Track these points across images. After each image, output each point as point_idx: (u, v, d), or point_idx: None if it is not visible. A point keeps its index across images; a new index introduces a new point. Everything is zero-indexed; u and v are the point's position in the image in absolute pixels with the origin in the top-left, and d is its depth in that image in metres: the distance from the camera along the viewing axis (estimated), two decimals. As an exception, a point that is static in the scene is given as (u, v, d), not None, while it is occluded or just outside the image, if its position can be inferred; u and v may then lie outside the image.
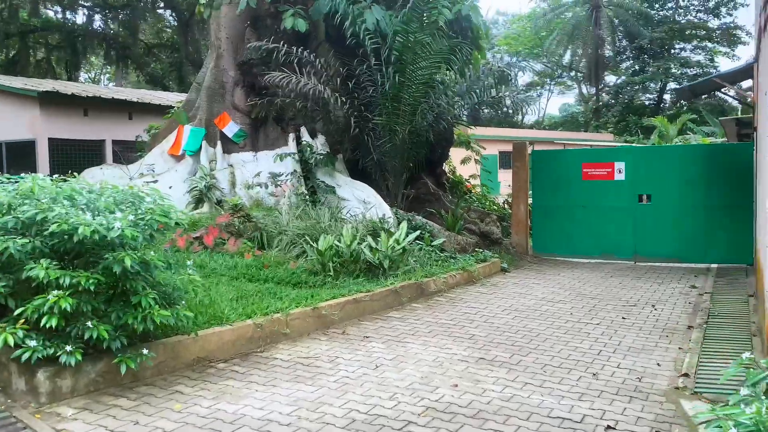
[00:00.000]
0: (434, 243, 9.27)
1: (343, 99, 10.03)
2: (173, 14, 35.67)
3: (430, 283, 8.09)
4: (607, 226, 11.22)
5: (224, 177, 12.43)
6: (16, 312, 4.27)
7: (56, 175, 5.67)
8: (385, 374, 5.03)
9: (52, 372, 4.28)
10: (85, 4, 32.00)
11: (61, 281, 4.24)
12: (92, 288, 4.30)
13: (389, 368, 5.18)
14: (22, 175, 5.55)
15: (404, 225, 8.53)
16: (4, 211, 4.80)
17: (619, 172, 11.09)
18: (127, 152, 15.43)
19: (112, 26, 35.36)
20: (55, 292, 4.20)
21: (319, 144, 11.77)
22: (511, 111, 13.73)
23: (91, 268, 4.61)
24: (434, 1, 10.01)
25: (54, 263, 4.44)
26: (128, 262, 4.35)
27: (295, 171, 11.50)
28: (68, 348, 4.22)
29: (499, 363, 5.35)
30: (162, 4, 34.47)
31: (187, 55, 33.17)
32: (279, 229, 9.52)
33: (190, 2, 31.73)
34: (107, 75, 53.89)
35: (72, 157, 16.16)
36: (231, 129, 12.70)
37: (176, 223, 5.10)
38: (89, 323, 4.29)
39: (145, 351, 4.50)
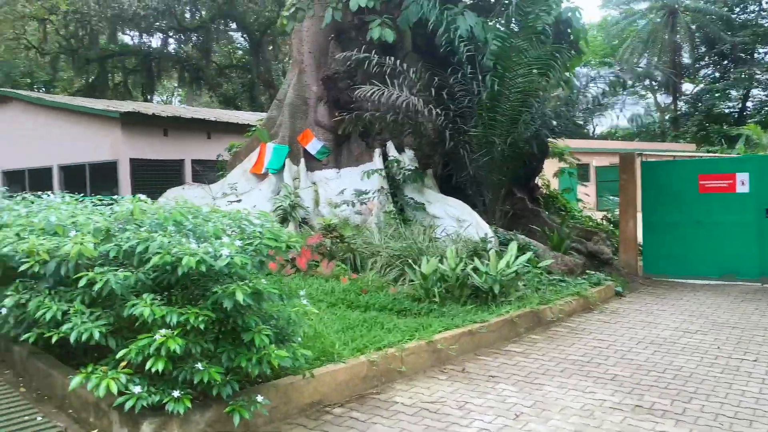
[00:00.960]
0: (541, 265, 8.45)
1: (438, 111, 9.38)
2: (244, 35, 36.16)
3: (546, 311, 7.27)
4: (728, 244, 10.09)
5: (308, 195, 11.97)
6: (119, 354, 3.75)
7: (142, 196, 5.23)
8: (530, 426, 4.28)
9: (159, 423, 3.74)
10: (161, 26, 32.69)
11: (167, 319, 3.70)
12: (202, 326, 3.75)
13: (532, 418, 4.43)
14: (117, 196, 5.13)
15: (514, 245, 7.75)
16: (102, 238, 4.34)
17: (742, 183, 9.98)
18: (207, 171, 15.27)
19: (185, 49, 36.12)
20: (162, 331, 3.67)
21: (407, 159, 11.16)
22: (582, 122, 12.84)
23: (198, 301, 4.09)
24: (534, 4, 9.26)
25: (158, 298, 3.93)
26: (240, 296, 3.78)
27: (382, 188, 10.90)
28: (175, 394, 3.67)
29: (660, 412, 4.51)
30: (234, 26, 34.95)
31: (258, 75, 33.44)
32: (372, 250, 8.92)
33: (261, 23, 32.04)
34: (179, 97, 55.42)
35: (152, 177, 16.12)
36: (314, 146, 12.28)
37: (288, 247, 4.52)
38: (199, 365, 3.73)
39: (259, 398, 3.90)
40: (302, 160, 12.28)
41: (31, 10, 33.29)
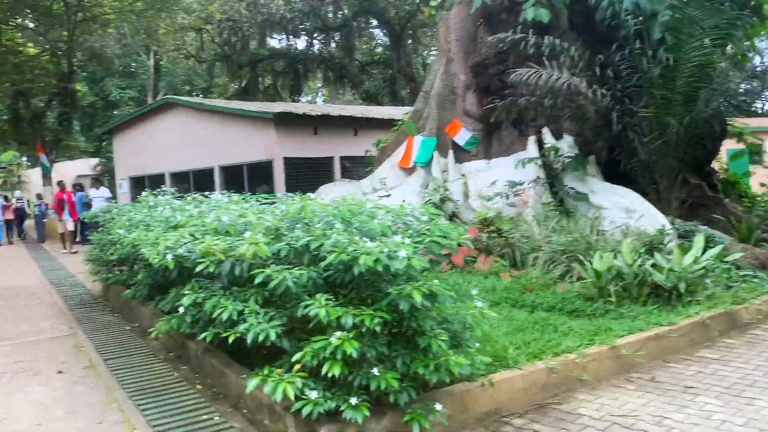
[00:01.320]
0: (728, 259, 7.47)
1: (603, 91, 8.63)
2: (383, 31, 36.52)
3: (741, 312, 6.38)
4: None
5: (457, 188, 11.63)
6: (295, 357, 3.62)
7: (297, 193, 5.14)
8: (753, 452, 3.64)
9: (337, 430, 3.57)
10: (306, 28, 33.81)
11: (342, 321, 3.51)
12: (377, 329, 3.53)
13: (752, 441, 3.78)
14: (280, 194, 5.08)
15: (700, 238, 6.90)
16: (272, 237, 4.27)
17: None
18: (356, 167, 15.42)
19: (328, 48, 37.14)
20: (338, 333, 3.48)
21: (566, 146, 10.44)
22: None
23: (369, 302, 3.88)
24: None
25: (331, 298, 3.76)
26: (417, 298, 3.51)
27: (538, 178, 10.30)
28: (353, 401, 3.48)
29: None
30: (374, 22, 35.37)
31: (399, 70, 33.57)
32: (531, 245, 8.39)
33: (401, 17, 32.12)
34: (322, 97, 57.34)
35: (304, 175, 16.58)
36: (463, 137, 11.90)
37: (458, 245, 4.20)
38: (375, 371, 3.51)
39: (438, 407, 3.62)
40: (450, 152, 11.96)
41: (189, 21, 35.85)
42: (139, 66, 44.50)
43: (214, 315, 4.05)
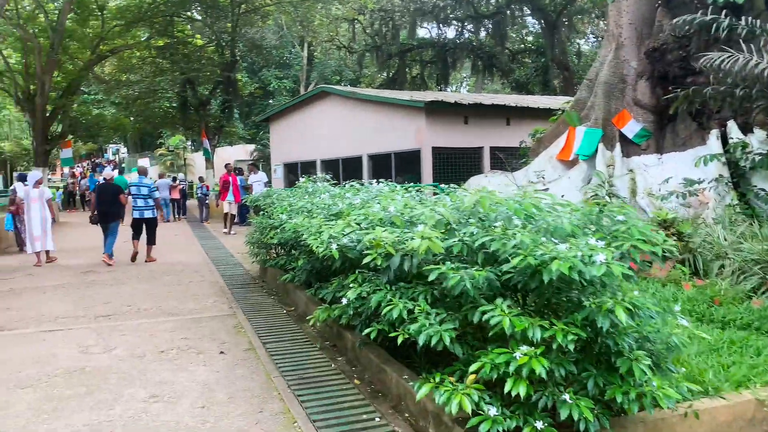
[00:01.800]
0: None
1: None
2: (536, 18, 35.15)
3: None
4: None
5: (623, 184, 10.72)
6: (471, 368, 3.26)
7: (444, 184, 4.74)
8: None
9: (516, 454, 3.18)
10: (458, 16, 33.35)
11: (529, 334, 3.10)
12: (570, 347, 3.08)
13: None
14: (431, 184, 4.73)
15: None
16: (443, 231, 3.93)
17: None
18: (509, 159, 14.81)
19: (478, 37, 36.41)
20: (524, 348, 3.08)
21: (756, 141, 9.22)
22: None
23: (555, 311, 3.43)
24: None
25: (512, 305, 3.36)
26: (622, 317, 3.01)
27: (720, 176, 9.20)
28: (538, 425, 3.06)
29: None
30: (528, 9, 34.13)
31: (553, 58, 32.13)
32: (716, 251, 7.44)
33: (557, 3, 30.69)
34: (466, 87, 56.61)
35: (452, 165, 16.25)
36: (632, 128, 10.96)
37: (662, 251, 3.62)
38: (566, 397, 3.07)
39: (634, 441, 3.11)
40: (617, 145, 11.07)
41: (343, 12, 36.71)
42: (293, 57, 46.46)
43: (383, 311, 3.79)
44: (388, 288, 4.06)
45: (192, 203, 28.90)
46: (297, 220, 5.98)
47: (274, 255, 8.89)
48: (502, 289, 3.60)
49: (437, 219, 3.96)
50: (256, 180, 17.09)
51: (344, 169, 18.95)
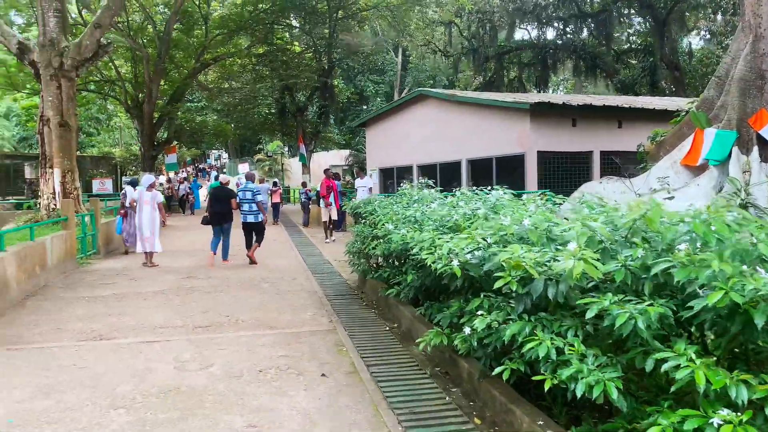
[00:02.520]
0: None
1: None
2: (642, 15, 33.16)
3: None
4: None
5: (762, 192, 9.51)
6: (647, 429, 2.55)
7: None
8: None
9: None
10: (560, 15, 31.99)
11: (732, 394, 2.36)
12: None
13: None
14: (539, 191, 4.01)
15: None
16: (599, 250, 3.23)
17: None
18: (624, 163, 13.70)
19: (580, 37, 34.83)
20: (724, 413, 2.34)
21: None
22: None
23: (747, 360, 2.65)
24: None
25: (695, 347, 2.62)
26: None
27: None
28: None
29: None
30: (635, 7, 32.26)
31: (662, 57, 30.16)
32: None
33: (669, -2, 28.78)
34: (563, 89, 54.54)
35: (558, 171, 15.28)
36: (775, 130, 9.70)
37: None
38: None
39: None
40: (755, 149, 9.87)
41: (439, 15, 36.14)
42: (387, 63, 46.36)
43: (524, 349, 3.14)
44: (525, 318, 3.39)
45: (288, 207, 29.13)
46: (405, 231, 5.43)
47: (374, 265, 8.40)
48: (677, 326, 2.86)
49: (588, 236, 3.26)
50: (362, 185, 16.76)
51: (442, 175, 18.33)
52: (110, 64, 29.75)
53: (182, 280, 10.19)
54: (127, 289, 9.44)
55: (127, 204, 13.75)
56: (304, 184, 24.72)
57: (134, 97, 29.87)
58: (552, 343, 3.01)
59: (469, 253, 3.87)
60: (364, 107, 44.69)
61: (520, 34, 39.94)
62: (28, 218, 16.92)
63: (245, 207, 11.81)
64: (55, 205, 16.55)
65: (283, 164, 44.73)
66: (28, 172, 29.07)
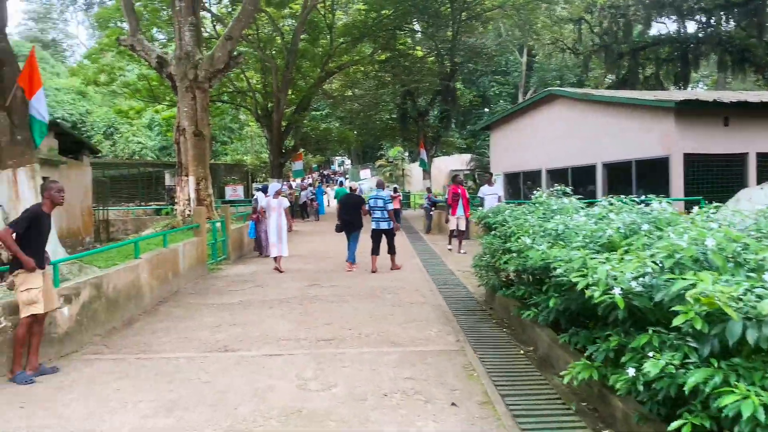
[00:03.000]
0: None
1: None
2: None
3: None
4: None
5: None
6: None
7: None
8: None
9: None
10: (703, 6, 29.49)
11: None
12: None
13: None
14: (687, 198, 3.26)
15: None
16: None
17: None
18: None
19: (727, 29, 31.92)
20: None
21: None
22: None
23: None
24: None
25: None
26: None
27: None
28: None
29: None
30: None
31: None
32: None
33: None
34: (703, 87, 50.45)
35: (706, 175, 13.81)
36: None
37: None
38: None
39: None
40: None
41: (568, 12, 34.55)
42: (511, 64, 45.16)
43: (717, 404, 2.49)
44: (715, 365, 2.72)
45: (408, 213, 28.93)
46: (545, 248, 4.82)
47: (505, 279, 7.80)
48: None
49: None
50: (490, 192, 14.76)
51: (574, 180, 17.27)
52: (242, 75, 31.10)
53: (306, 288, 10.10)
54: (253, 296, 9.46)
55: (258, 209, 14.72)
56: (428, 190, 24.32)
57: (264, 106, 30.99)
58: (761, 401, 2.34)
59: (633, 279, 3.23)
60: (486, 110, 43.76)
61: (656, 29, 37.44)
62: (165, 224, 17.85)
63: (377, 214, 11.84)
64: (190, 211, 17.31)
65: (403, 170, 44.78)
66: (168, 179, 30.96)
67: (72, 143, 19.80)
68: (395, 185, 30.08)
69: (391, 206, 12.06)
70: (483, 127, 24.86)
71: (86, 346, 6.71)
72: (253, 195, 22.90)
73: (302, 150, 37.24)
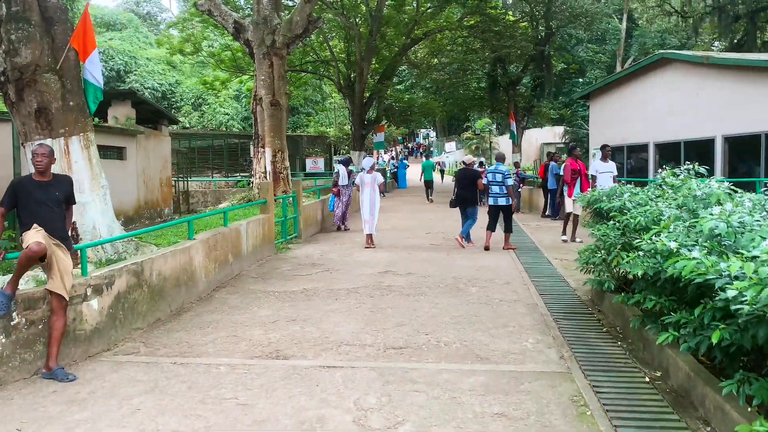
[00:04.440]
0: None
1: None
2: None
3: None
4: None
5: None
6: None
7: None
8: None
9: None
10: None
11: None
12: None
13: None
14: None
15: None
16: None
17: None
18: None
19: None
20: None
21: None
22: None
23: None
24: None
25: None
26: None
27: None
28: None
29: None
30: None
31: None
32: None
33: None
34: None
35: None
36: None
37: None
38: None
39: None
40: None
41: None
42: (608, 31, 41.80)
43: None
44: None
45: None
46: (700, 255, 3.38)
47: (620, 276, 6.32)
48: None
49: None
50: (605, 170, 11.64)
51: (686, 155, 15.20)
52: (325, 44, 30.14)
53: (379, 276, 8.96)
54: (319, 284, 8.41)
55: (341, 183, 14.55)
56: (516, 165, 22.53)
57: (346, 76, 29.92)
58: None
59: None
60: (580, 80, 40.90)
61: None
62: (241, 197, 17.20)
63: (494, 189, 11.39)
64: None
65: (491, 143, 42.77)
66: (252, 151, 30.64)
67: (150, 113, 19.47)
68: (481, 159, 28.40)
69: (510, 181, 11.44)
70: (581, 96, 22.74)
71: (121, 342, 5.83)
72: (334, 168, 22.11)
73: (385, 122, 36.06)
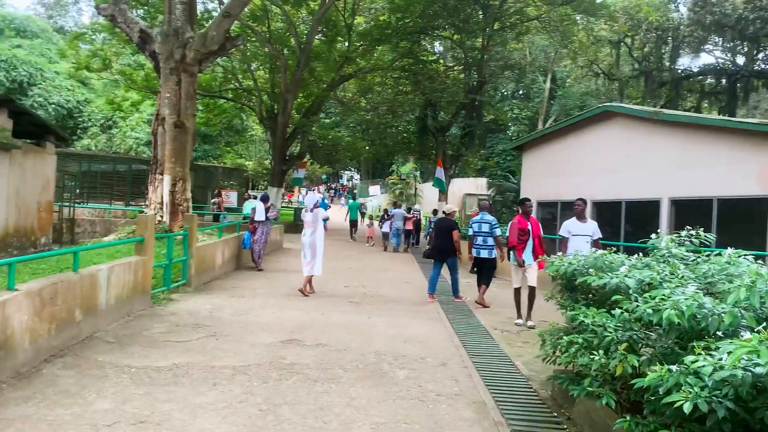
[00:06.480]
0: None
1: None
2: None
3: None
4: None
5: None
6: None
7: None
8: None
9: None
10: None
11: None
12: None
13: None
14: None
15: None
16: None
17: None
18: None
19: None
20: None
21: None
22: None
23: None
24: None
25: None
26: None
27: None
28: None
29: None
30: None
31: None
32: None
33: None
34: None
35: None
36: None
37: None
38: None
39: None
40: None
41: (610, 32, 31.53)
42: (533, 89, 41.81)
43: None
44: None
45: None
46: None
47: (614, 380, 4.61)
48: None
49: None
50: (581, 232, 8.86)
51: (627, 217, 14.16)
52: (248, 72, 28.18)
53: (280, 347, 6.94)
54: (197, 357, 6.30)
55: (257, 219, 14.18)
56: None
57: (269, 107, 27.99)
58: None
59: None
60: (501, 136, 40.67)
61: (701, 62, 34.54)
62: (131, 230, 14.70)
63: (479, 240, 10.60)
64: (162, 217, 14.25)
65: (416, 188, 41.61)
66: (150, 178, 27.95)
67: (34, 126, 16.72)
68: (410, 206, 27.20)
69: (498, 232, 10.60)
70: (515, 147, 21.74)
71: None
72: (243, 206, 20.20)
73: (308, 158, 34.19)
